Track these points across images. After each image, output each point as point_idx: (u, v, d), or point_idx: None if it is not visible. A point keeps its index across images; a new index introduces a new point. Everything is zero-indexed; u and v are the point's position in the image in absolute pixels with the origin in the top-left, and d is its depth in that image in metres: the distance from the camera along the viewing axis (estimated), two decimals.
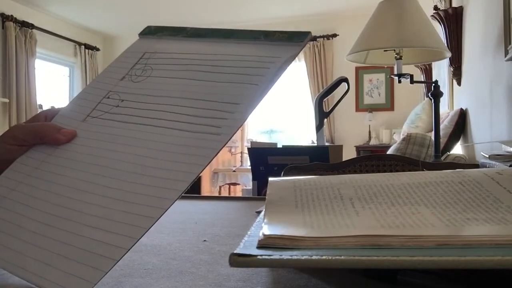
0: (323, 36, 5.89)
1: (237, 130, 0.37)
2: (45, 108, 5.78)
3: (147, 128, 0.40)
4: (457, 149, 2.74)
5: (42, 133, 0.43)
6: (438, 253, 0.24)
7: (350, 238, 0.26)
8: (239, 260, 0.25)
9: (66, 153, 0.41)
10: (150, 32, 0.53)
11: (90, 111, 0.45)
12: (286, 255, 0.24)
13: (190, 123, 0.39)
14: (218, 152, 0.35)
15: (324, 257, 0.23)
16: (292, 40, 0.43)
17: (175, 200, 0.33)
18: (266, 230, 0.28)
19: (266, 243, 0.26)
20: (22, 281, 0.33)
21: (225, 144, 0.36)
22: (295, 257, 0.24)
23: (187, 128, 0.38)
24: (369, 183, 0.37)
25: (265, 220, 0.31)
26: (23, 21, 5.28)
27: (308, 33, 0.43)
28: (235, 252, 0.25)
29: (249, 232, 0.31)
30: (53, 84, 6.14)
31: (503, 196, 0.32)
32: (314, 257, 0.23)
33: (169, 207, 0.33)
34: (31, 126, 0.44)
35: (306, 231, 0.28)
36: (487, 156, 0.87)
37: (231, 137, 0.36)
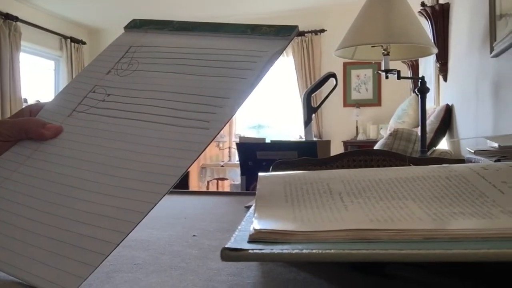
0: (311, 31, 5.89)
1: (226, 124, 0.37)
2: (30, 102, 5.70)
3: (134, 123, 0.40)
4: (443, 145, 2.77)
5: (27, 128, 0.42)
6: (426, 246, 0.24)
7: (340, 232, 0.26)
8: (230, 254, 0.25)
9: (52, 149, 0.41)
10: (135, 25, 0.53)
11: (75, 105, 0.45)
12: (276, 249, 0.25)
13: (178, 117, 0.39)
14: (207, 146, 0.35)
15: (314, 251, 0.24)
16: (279, 34, 0.43)
17: (164, 195, 0.33)
18: (257, 224, 0.28)
19: (257, 237, 0.26)
20: (11, 277, 0.32)
21: (213, 138, 0.36)
22: (286, 251, 0.24)
23: (174, 123, 0.38)
24: (357, 178, 0.38)
25: (256, 215, 0.31)
26: (7, 13, 5.19)
27: (295, 27, 0.44)
28: (226, 246, 0.25)
29: (239, 227, 0.31)
30: (38, 78, 6.05)
31: (489, 191, 0.33)
32: (304, 251, 0.24)
33: (158, 202, 0.33)
34: (16, 122, 0.44)
35: (296, 225, 0.29)
36: (473, 151, 0.88)
37: (219, 131, 0.36)
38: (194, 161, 0.34)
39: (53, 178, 0.38)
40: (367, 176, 0.38)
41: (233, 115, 0.38)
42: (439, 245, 0.24)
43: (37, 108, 0.47)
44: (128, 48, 0.49)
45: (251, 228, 0.27)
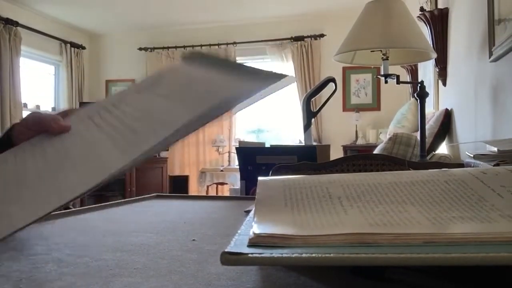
0: (310, 36, 5.91)
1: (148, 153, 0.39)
2: (30, 107, 5.70)
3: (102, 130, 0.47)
4: (443, 149, 2.77)
5: (43, 119, 0.51)
6: (425, 250, 0.24)
7: (339, 236, 0.26)
8: (230, 258, 0.25)
9: (54, 141, 0.49)
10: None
11: (89, 115, 0.52)
12: (276, 253, 0.25)
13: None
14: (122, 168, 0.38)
15: (314, 255, 0.24)
16: (265, 77, 0.42)
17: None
18: (256, 229, 0.28)
19: (256, 241, 0.26)
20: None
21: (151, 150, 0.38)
22: (285, 255, 0.24)
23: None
24: (357, 182, 0.38)
25: (255, 219, 0.31)
26: (7, 18, 5.20)
27: (287, 76, 0.43)
28: (226, 250, 0.25)
29: (239, 231, 0.31)
30: (38, 83, 6.06)
31: (487, 195, 0.33)
32: (304, 255, 0.24)
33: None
34: (40, 114, 0.53)
35: (296, 229, 0.29)
36: (472, 155, 0.88)
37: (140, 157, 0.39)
38: (105, 179, 0.37)
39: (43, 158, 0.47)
40: (366, 180, 0.38)
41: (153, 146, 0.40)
42: (438, 249, 0.24)
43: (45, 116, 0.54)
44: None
45: (251, 232, 0.27)
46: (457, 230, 0.28)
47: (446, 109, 2.77)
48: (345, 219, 0.30)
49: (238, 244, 0.27)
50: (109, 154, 0.41)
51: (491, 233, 0.26)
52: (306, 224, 0.30)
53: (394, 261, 0.24)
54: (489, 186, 0.34)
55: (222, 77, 0.45)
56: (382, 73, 1.81)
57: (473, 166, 0.87)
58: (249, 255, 0.25)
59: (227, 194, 5.22)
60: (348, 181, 0.38)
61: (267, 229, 0.28)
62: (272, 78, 0.42)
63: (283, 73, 0.43)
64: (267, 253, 0.25)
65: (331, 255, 0.24)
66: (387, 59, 1.78)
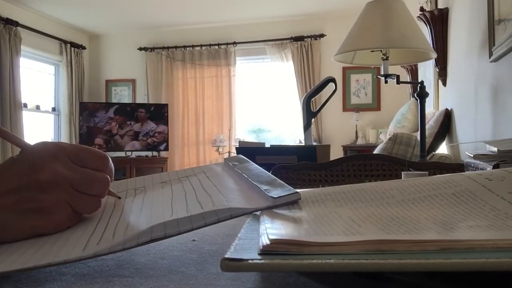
0: (310, 36, 5.91)
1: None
2: (30, 107, 5.70)
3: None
4: (443, 149, 2.77)
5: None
6: (442, 256, 0.24)
7: (356, 244, 0.26)
8: (231, 265, 0.25)
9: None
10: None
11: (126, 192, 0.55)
12: (277, 259, 0.24)
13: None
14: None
15: (325, 261, 0.23)
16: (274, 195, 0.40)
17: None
18: (272, 235, 0.28)
19: (271, 248, 0.26)
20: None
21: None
22: (285, 261, 0.24)
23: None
24: (365, 198, 0.37)
25: (268, 225, 0.31)
26: (7, 18, 5.20)
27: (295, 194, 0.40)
28: (226, 256, 0.25)
29: (239, 235, 0.31)
30: (38, 83, 6.06)
31: (499, 204, 0.32)
32: (315, 261, 0.23)
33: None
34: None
35: (308, 236, 0.28)
36: (472, 155, 0.88)
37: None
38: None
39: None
40: (374, 201, 0.37)
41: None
42: (456, 255, 0.24)
43: None
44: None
45: (265, 239, 0.27)
46: (475, 237, 0.27)
47: (446, 109, 2.77)
48: (359, 230, 0.30)
49: (238, 249, 0.27)
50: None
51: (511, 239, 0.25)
52: (320, 231, 0.30)
53: (413, 268, 0.23)
54: (497, 194, 0.34)
55: (244, 191, 0.46)
56: (382, 73, 1.81)
57: (473, 166, 0.87)
58: (249, 261, 0.24)
59: None
60: (356, 195, 0.38)
61: (282, 236, 0.28)
62: (281, 201, 0.40)
63: (292, 194, 0.39)
64: (277, 259, 0.24)
65: (345, 260, 0.23)
66: (387, 59, 1.78)
